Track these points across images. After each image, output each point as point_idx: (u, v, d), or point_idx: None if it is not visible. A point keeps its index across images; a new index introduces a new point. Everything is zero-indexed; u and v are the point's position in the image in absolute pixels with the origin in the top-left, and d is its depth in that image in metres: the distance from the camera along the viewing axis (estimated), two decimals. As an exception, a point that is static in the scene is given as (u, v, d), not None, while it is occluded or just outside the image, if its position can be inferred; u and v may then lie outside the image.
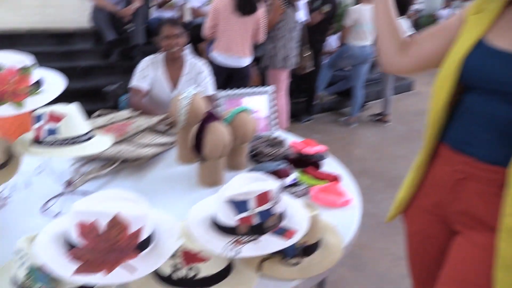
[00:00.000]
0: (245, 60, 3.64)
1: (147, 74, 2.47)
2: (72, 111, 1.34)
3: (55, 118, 1.31)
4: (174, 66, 2.50)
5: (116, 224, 1.02)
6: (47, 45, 4.93)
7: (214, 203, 1.24)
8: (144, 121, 2.04)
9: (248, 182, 1.22)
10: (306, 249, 1.29)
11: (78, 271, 1.00)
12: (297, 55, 4.28)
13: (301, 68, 4.63)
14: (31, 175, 1.64)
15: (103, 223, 1.02)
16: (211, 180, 1.65)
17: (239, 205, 1.15)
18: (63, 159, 1.78)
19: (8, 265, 1.16)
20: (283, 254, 1.26)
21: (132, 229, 1.05)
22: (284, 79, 4.16)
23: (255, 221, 1.17)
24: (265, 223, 1.18)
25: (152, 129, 2.09)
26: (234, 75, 3.63)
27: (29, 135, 1.44)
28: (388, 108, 5.20)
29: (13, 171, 1.38)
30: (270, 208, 1.18)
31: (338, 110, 5.57)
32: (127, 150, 1.78)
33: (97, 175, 1.65)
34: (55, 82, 1.55)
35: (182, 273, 1.11)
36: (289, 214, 1.28)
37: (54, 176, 1.66)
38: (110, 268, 1.02)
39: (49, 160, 1.70)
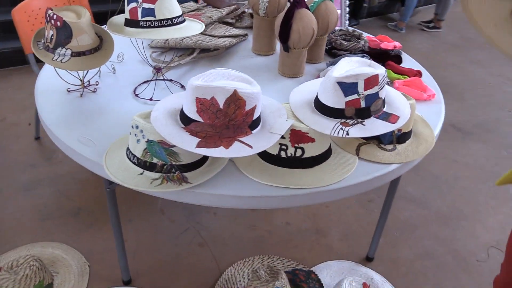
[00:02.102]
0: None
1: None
2: (166, -9, 1.29)
3: (151, -3, 1.27)
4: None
5: (235, 100, 1.03)
6: None
7: (319, 86, 1.23)
8: (213, 13, 1.98)
9: (356, 66, 1.20)
10: (401, 137, 1.29)
11: (200, 145, 1.03)
12: None
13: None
14: (114, 63, 1.64)
15: (222, 99, 1.03)
16: (294, 71, 1.62)
17: (349, 87, 1.14)
18: (143, 47, 1.77)
19: (120, 141, 1.20)
20: (379, 140, 1.27)
21: (248, 106, 1.06)
22: None
23: (362, 104, 1.16)
24: (371, 106, 1.18)
25: (222, 21, 2.03)
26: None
27: (119, 18, 1.41)
28: (444, 14, 4.87)
29: (108, 54, 1.38)
30: (377, 92, 1.17)
31: (387, 15, 5.30)
32: (204, 39, 1.74)
33: (180, 63, 1.64)
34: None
35: (290, 152, 1.14)
36: (390, 101, 1.27)
37: (135, 63, 1.67)
38: (228, 144, 1.05)
39: (128, 48, 1.69)
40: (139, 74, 1.59)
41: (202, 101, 1.04)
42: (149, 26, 1.29)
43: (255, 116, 1.09)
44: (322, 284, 1.74)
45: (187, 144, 1.02)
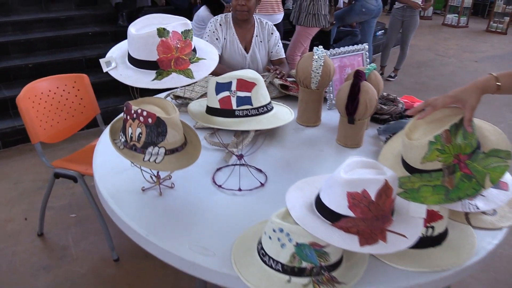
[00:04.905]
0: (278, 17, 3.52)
1: (218, 36, 2.33)
2: (259, 78, 1.25)
3: (247, 86, 1.22)
4: (245, 28, 2.37)
5: (385, 190, 1.00)
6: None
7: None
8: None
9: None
10: (496, 201, 1.32)
11: (362, 243, 0.97)
12: (328, 14, 4.01)
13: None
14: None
15: (373, 191, 0.98)
16: (356, 141, 1.63)
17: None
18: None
19: (240, 244, 1.10)
20: (482, 207, 1.29)
21: (394, 194, 1.02)
22: (312, 36, 4.01)
23: (482, 176, 1.18)
24: (487, 178, 1.20)
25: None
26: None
27: (198, 107, 1.34)
28: (400, 64, 5.18)
29: (198, 147, 1.28)
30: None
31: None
32: (256, 117, 1.70)
33: (244, 144, 1.57)
34: (206, 48, 1.44)
35: (422, 232, 1.11)
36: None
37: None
38: (382, 236, 1.00)
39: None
40: (204, 161, 1.49)
41: (354, 195, 0.99)
42: (246, 115, 1.23)
43: (395, 202, 1.06)
44: None
45: (349, 244, 0.96)
